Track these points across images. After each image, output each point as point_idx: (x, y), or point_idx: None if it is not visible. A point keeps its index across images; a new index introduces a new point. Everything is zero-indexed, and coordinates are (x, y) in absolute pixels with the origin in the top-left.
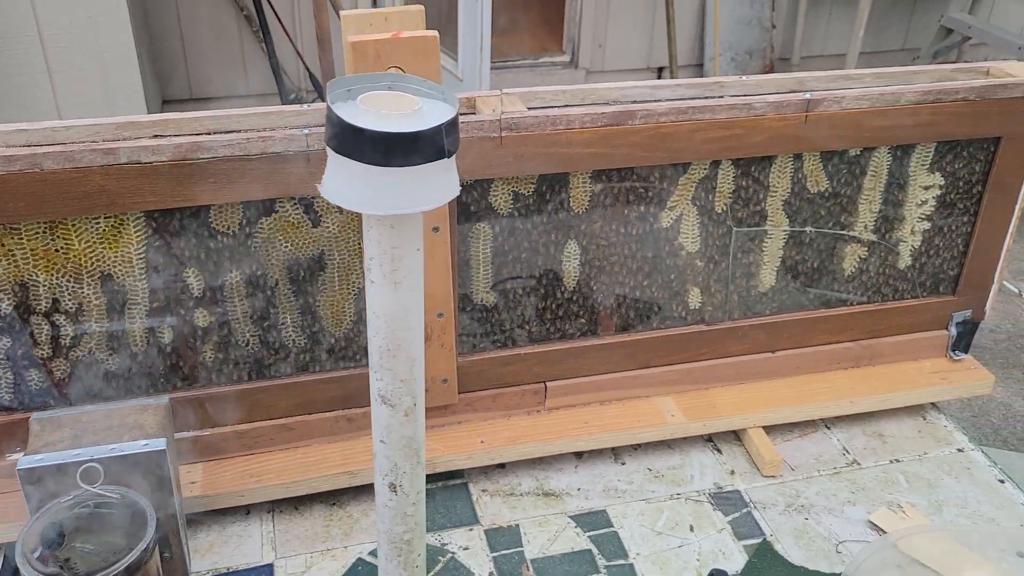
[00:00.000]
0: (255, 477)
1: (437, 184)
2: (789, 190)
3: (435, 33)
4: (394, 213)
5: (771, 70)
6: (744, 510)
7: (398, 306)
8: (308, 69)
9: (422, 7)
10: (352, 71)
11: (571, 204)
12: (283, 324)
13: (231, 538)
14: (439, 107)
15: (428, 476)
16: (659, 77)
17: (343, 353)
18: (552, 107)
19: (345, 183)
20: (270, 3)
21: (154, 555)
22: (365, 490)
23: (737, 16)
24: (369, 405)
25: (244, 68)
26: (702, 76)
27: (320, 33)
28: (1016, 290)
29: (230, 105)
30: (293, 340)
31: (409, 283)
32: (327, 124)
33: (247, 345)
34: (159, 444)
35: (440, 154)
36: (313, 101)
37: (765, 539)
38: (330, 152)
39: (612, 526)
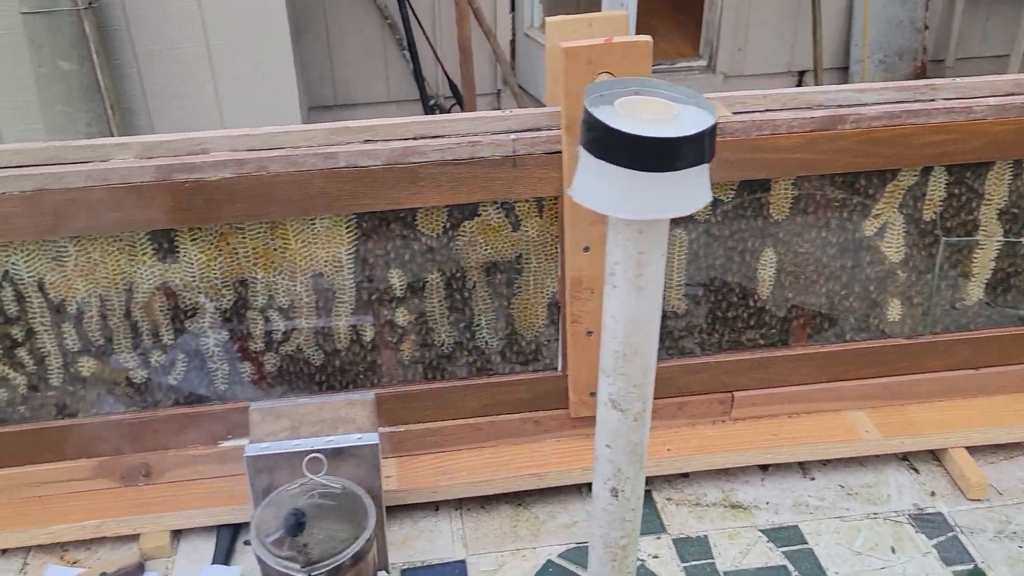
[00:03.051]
0: (447, 474)
1: (692, 190)
2: (1006, 199)
3: (648, 38)
4: (647, 219)
5: (923, 73)
6: (949, 534)
7: (639, 312)
8: (448, 76)
9: (626, 13)
10: (562, 77)
11: (771, 211)
12: (477, 326)
13: (423, 532)
14: (696, 113)
15: None
16: (800, 81)
17: (532, 356)
18: (755, 111)
19: (598, 186)
20: (413, 12)
21: (373, 545)
22: (550, 492)
23: (887, 16)
24: (556, 408)
25: (386, 75)
26: (847, 80)
27: (461, 42)
28: None
29: (372, 111)
30: (486, 341)
31: (652, 289)
32: (584, 127)
33: (442, 345)
34: (372, 439)
35: (700, 160)
36: (451, 107)
37: (976, 566)
38: (584, 154)
39: (806, 543)
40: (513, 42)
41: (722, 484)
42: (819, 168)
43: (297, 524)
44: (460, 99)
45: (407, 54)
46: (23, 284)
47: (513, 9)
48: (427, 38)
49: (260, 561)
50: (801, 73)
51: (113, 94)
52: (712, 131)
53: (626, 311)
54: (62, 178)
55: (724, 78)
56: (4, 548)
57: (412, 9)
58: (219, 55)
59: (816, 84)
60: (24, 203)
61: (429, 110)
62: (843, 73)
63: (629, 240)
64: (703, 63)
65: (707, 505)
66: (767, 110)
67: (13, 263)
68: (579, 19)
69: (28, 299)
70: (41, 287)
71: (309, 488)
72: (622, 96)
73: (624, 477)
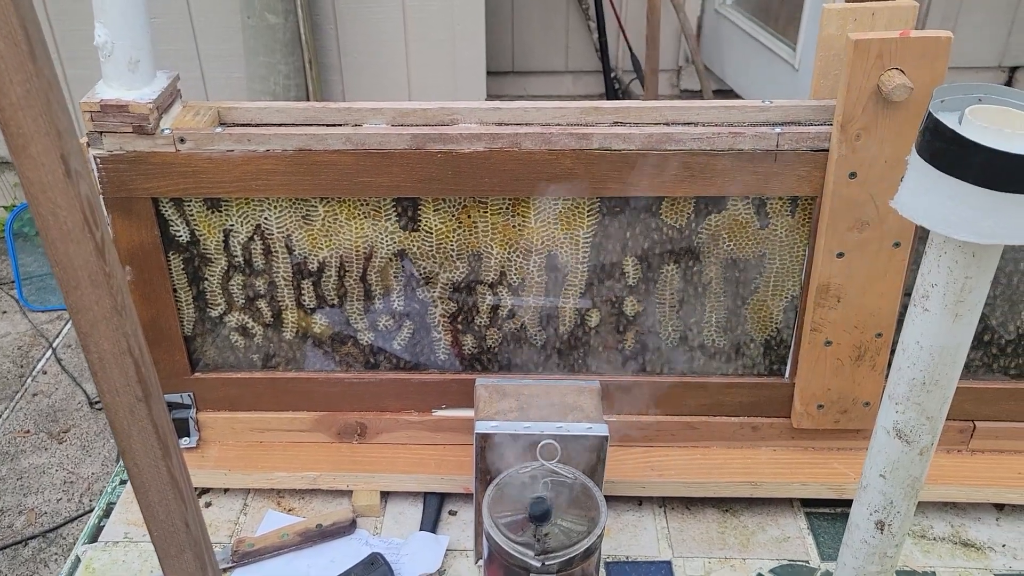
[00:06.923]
0: (656, 471)
1: None
2: None
3: (949, 34)
4: (992, 243)
5: None
6: None
7: (951, 340)
8: (631, 49)
9: (916, 4)
10: (846, 70)
11: None
12: (706, 322)
13: (626, 527)
14: None
15: (833, 501)
16: (1011, 77)
17: (758, 359)
18: None
19: (937, 202)
20: None
21: (602, 540)
22: (759, 503)
23: None
24: (777, 416)
25: (566, 44)
26: None
27: (650, 14)
28: None
29: (549, 81)
30: (713, 340)
31: (970, 317)
32: (927, 136)
33: (666, 338)
34: (602, 430)
35: None
36: (631, 82)
37: None
38: (922, 166)
39: None
40: (701, 18)
41: (951, 519)
42: None
43: (544, 513)
44: (641, 74)
45: (592, 24)
46: (272, 239)
47: None
48: (614, 8)
49: (490, 540)
50: (1014, 69)
51: (312, 49)
52: None
53: (935, 338)
54: (323, 140)
55: None
56: (226, 488)
57: None
58: (413, 16)
59: None
60: (285, 162)
61: (610, 83)
62: None
63: (957, 263)
64: None
65: (934, 539)
66: None
67: (266, 219)
68: (862, 8)
69: (275, 254)
70: (288, 244)
71: (541, 474)
72: (969, 103)
73: (895, 511)
